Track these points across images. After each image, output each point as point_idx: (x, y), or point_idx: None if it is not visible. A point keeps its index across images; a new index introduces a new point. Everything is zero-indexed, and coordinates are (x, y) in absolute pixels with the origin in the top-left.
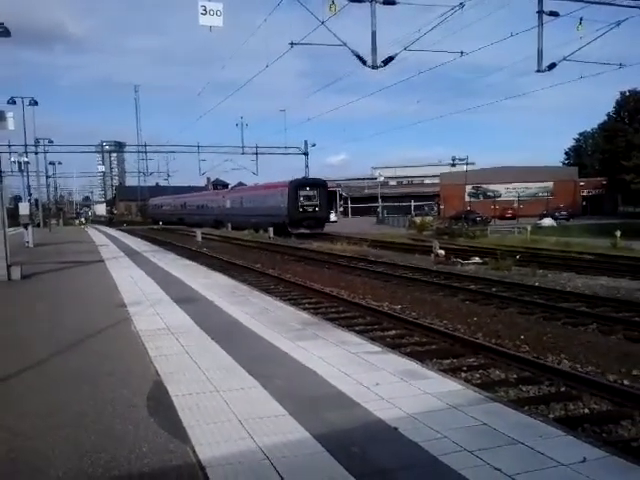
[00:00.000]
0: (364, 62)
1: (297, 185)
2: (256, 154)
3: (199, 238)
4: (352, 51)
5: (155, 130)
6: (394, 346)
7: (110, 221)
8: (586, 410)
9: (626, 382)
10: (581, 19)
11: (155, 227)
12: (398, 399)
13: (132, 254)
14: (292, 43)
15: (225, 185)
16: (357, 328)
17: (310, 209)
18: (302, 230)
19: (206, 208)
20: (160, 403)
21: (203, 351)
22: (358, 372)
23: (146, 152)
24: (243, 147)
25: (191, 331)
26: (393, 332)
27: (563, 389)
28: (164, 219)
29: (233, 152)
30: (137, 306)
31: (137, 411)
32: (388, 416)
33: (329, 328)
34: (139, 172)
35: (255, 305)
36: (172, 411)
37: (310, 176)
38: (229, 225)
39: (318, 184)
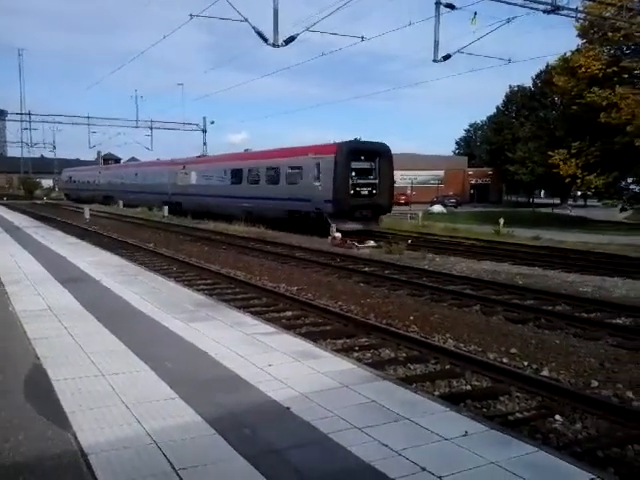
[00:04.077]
0: (265, 40)
1: (350, 152)
2: (151, 128)
3: (87, 215)
4: (253, 28)
5: (41, 99)
6: (289, 327)
7: None
8: (468, 387)
9: (505, 360)
10: (475, 13)
11: (38, 202)
12: (291, 379)
13: (12, 230)
14: (191, 15)
15: (117, 160)
16: (253, 309)
17: (366, 191)
18: (352, 225)
19: (154, 185)
20: (39, 388)
21: (88, 333)
22: (252, 353)
23: (30, 121)
24: (137, 121)
25: (75, 312)
26: (289, 313)
27: (448, 367)
28: (84, 196)
29: (126, 125)
30: (16, 285)
31: (12, 397)
32: (281, 396)
33: (224, 309)
34: (22, 143)
35: (145, 285)
36: (52, 396)
37: (207, 153)
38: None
39: (379, 151)
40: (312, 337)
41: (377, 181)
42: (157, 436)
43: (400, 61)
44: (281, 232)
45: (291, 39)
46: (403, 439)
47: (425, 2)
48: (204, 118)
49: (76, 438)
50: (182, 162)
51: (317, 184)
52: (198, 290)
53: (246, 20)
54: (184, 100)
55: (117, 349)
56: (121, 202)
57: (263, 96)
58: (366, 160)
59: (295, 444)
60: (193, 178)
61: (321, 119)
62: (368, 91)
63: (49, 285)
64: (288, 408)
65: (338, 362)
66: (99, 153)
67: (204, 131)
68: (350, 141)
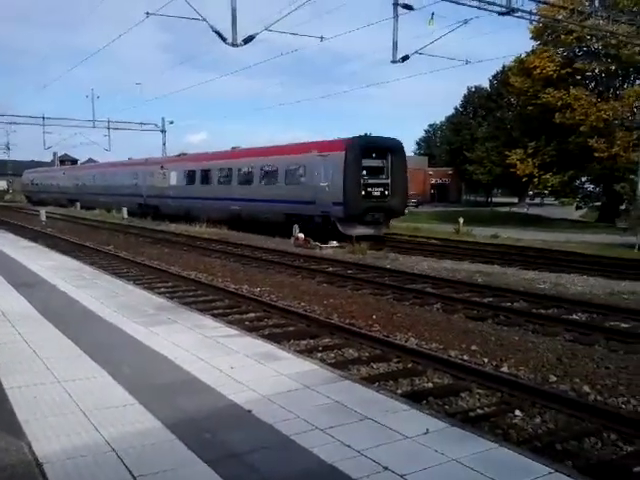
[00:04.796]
0: (224, 39)
1: (361, 148)
2: (108, 129)
3: (43, 217)
4: (211, 27)
5: None
6: (252, 329)
7: None
8: (430, 384)
9: (466, 357)
10: (432, 14)
11: None
12: (253, 382)
13: None
14: (148, 13)
15: (74, 161)
16: (215, 312)
17: (378, 192)
18: (362, 230)
19: (127, 187)
20: None
21: (43, 339)
22: (213, 356)
23: None
24: (94, 121)
25: (30, 317)
26: (252, 315)
27: (410, 365)
28: (47, 199)
29: (83, 126)
30: None
31: None
32: (242, 399)
33: (184, 312)
34: None
35: (104, 289)
36: (5, 405)
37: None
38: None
39: (391, 148)
40: (275, 338)
41: (389, 181)
42: (115, 443)
43: (361, 61)
44: (245, 233)
45: (250, 38)
46: (365, 439)
47: (385, 3)
48: (163, 118)
49: (31, 448)
50: (159, 161)
51: (324, 184)
52: (158, 293)
53: (204, 19)
54: (142, 100)
55: (74, 355)
56: (78, 204)
57: (223, 96)
58: (377, 157)
59: (256, 447)
60: (173, 178)
61: (283, 119)
62: (330, 91)
63: (2, 290)
64: (250, 411)
65: (301, 363)
66: (55, 154)
67: (163, 131)
68: (361, 136)
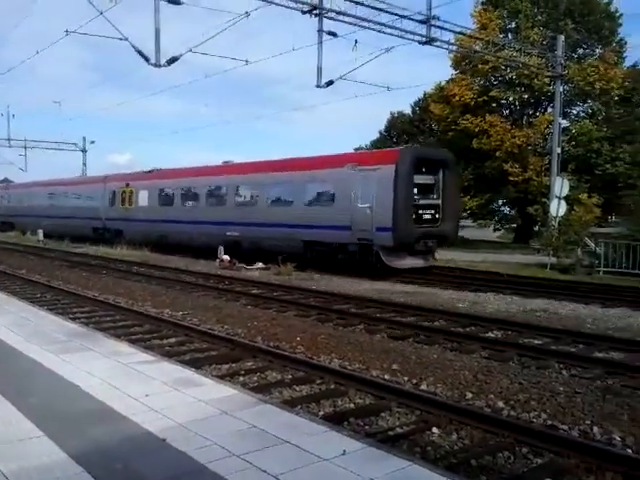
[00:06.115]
0: (147, 59)
1: (413, 160)
2: (25, 148)
3: None
4: (134, 47)
5: None
6: (172, 354)
7: None
8: (352, 405)
9: (386, 376)
10: (356, 41)
11: None
12: (169, 409)
13: None
14: (67, 31)
15: None
16: (133, 337)
17: (429, 215)
18: (411, 261)
19: (80, 209)
20: None
21: None
22: (128, 384)
23: None
24: (10, 140)
25: None
26: (173, 340)
27: (333, 386)
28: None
29: None
30: None
31: None
32: (157, 427)
33: (100, 338)
34: None
35: (13, 315)
36: None
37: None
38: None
39: (444, 161)
40: (195, 364)
41: (440, 201)
42: (15, 478)
43: (287, 85)
44: (168, 255)
45: (174, 59)
46: (282, 463)
47: (310, 28)
48: (84, 138)
49: None
50: (122, 178)
51: (363, 206)
52: (73, 319)
53: (126, 39)
54: (62, 119)
55: None
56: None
57: (149, 116)
58: (428, 172)
59: (169, 476)
60: (143, 198)
61: (212, 140)
62: (257, 113)
63: None
64: (164, 439)
65: (220, 388)
66: None
67: (84, 151)
68: (414, 147)
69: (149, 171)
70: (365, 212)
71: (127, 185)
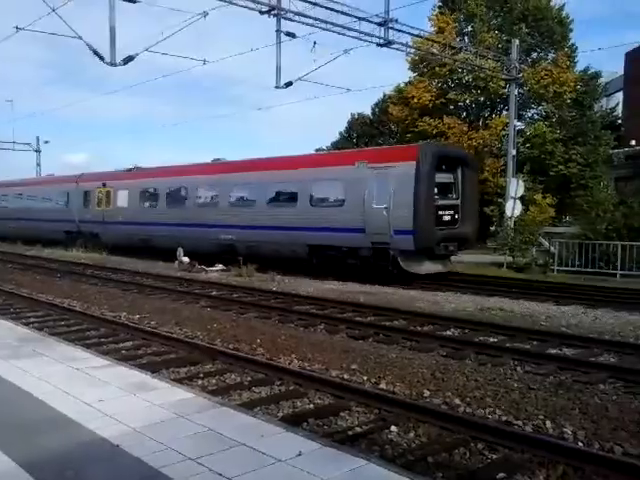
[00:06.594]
0: (102, 58)
1: (434, 158)
2: None
3: None
4: (88, 45)
5: None
6: (129, 358)
7: None
8: (311, 405)
9: (346, 376)
10: (315, 43)
11: None
12: (123, 414)
13: None
14: (17, 27)
15: None
16: (89, 342)
17: (448, 217)
18: (430, 266)
19: (51, 211)
20: None
21: None
22: (81, 389)
23: None
24: None
25: None
26: (129, 344)
27: (292, 387)
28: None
29: None
30: None
31: None
32: (111, 433)
33: (53, 343)
34: None
35: None
36: None
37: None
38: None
39: (463, 159)
40: (153, 367)
41: (459, 202)
42: None
43: (246, 85)
44: (126, 257)
45: (130, 59)
46: (238, 465)
47: (269, 29)
48: (37, 137)
49: None
50: (98, 177)
51: (379, 207)
52: (26, 324)
53: (80, 37)
54: (15, 118)
55: None
56: None
57: (106, 115)
58: (447, 171)
59: None
60: (123, 199)
61: (169, 140)
62: (216, 113)
63: None
64: (118, 445)
65: (177, 392)
66: None
67: (37, 151)
68: (431, 143)
69: (129, 169)
70: (381, 213)
71: (104, 185)
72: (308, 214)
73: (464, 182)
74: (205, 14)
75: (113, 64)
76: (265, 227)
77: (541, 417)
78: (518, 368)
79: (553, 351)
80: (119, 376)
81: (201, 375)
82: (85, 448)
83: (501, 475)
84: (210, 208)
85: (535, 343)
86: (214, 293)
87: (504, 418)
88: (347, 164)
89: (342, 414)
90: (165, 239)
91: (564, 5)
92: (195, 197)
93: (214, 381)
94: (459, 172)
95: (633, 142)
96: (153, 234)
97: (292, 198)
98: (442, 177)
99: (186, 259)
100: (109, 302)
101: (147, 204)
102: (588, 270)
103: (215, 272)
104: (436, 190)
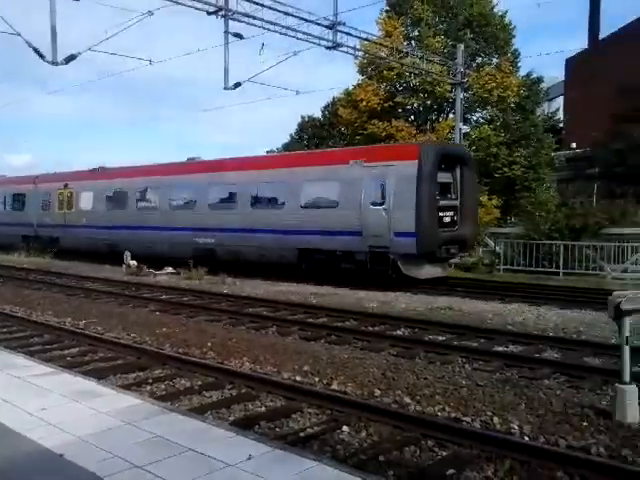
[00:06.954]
0: (42, 57)
1: (437, 156)
2: None
3: None
4: (28, 43)
5: None
6: (74, 365)
7: None
8: (263, 408)
9: (298, 378)
10: (263, 44)
11: None
12: (67, 423)
13: None
14: None
15: None
16: (31, 349)
17: (448, 218)
18: (431, 270)
19: (6, 213)
20: None
21: None
22: (23, 398)
23: None
24: None
25: None
26: (75, 350)
27: (244, 391)
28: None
29: None
30: None
31: None
32: (54, 443)
33: None
34: None
35: None
36: None
37: None
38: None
39: (461, 158)
40: (99, 374)
41: (458, 202)
42: None
43: (194, 86)
44: (71, 262)
45: (72, 57)
46: (186, 471)
47: (216, 30)
48: None
49: None
50: (59, 178)
51: (377, 208)
52: None
53: (18, 34)
54: None
55: None
56: None
57: (48, 115)
58: (447, 170)
59: None
60: (86, 201)
61: (115, 140)
62: (162, 114)
63: None
64: (61, 455)
65: (124, 399)
66: None
67: None
68: (436, 142)
69: (93, 169)
70: (380, 215)
71: (65, 186)
72: (298, 216)
73: (463, 182)
74: (150, 13)
75: (55, 63)
76: (249, 230)
77: (489, 413)
78: (466, 365)
79: (500, 348)
80: (63, 383)
81: (150, 381)
82: (26, 459)
83: (451, 471)
84: (186, 210)
85: (482, 341)
86: (163, 297)
87: (453, 415)
88: (339, 163)
89: (294, 416)
90: (135, 244)
91: (507, 12)
92: (169, 199)
93: (163, 386)
94: (458, 171)
95: (574, 145)
96: (121, 238)
97: (279, 199)
98: (443, 177)
99: (134, 262)
100: (54, 307)
101: (114, 206)
102: (532, 269)
103: (164, 275)
104: (439, 191)
